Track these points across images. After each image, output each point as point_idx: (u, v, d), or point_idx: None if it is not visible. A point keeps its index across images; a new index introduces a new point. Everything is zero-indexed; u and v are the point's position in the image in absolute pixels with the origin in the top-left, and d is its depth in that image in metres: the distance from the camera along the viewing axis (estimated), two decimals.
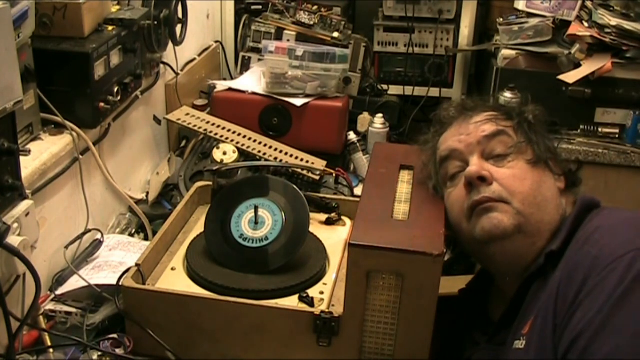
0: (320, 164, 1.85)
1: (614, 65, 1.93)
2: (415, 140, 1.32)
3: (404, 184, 1.27)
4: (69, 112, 1.39)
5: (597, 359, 0.85)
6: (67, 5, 1.38)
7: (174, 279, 1.25)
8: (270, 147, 1.89)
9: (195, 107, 2.10)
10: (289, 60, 1.99)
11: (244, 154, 1.84)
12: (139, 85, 1.67)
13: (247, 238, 1.29)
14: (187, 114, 1.95)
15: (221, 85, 2.08)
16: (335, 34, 2.16)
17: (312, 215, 1.34)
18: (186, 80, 2.07)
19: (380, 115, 2.05)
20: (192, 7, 1.93)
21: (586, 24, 2.00)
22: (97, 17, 1.47)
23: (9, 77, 1.08)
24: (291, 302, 1.19)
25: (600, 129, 2.04)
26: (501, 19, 2.12)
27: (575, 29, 1.99)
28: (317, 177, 1.79)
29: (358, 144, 2.02)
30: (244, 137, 1.90)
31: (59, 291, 1.31)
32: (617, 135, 2.03)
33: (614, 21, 1.91)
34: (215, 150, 1.82)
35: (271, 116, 1.97)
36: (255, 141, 1.90)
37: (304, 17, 2.18)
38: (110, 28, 1.49)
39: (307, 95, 1.98)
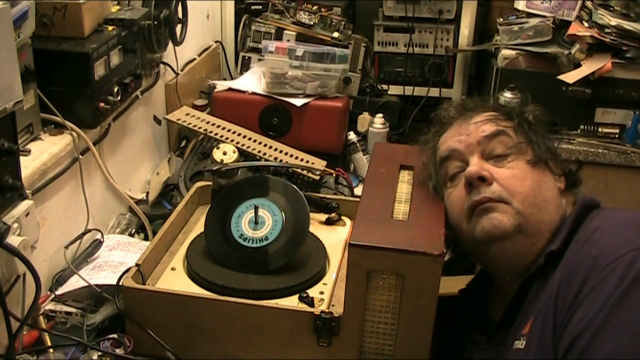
0: (320, 164, 1.85)
1: (614, 65, 1.93)
2: (415, 140, 1.32)
3: (404, 184, 1.27)
4: (69, 112, 1.39)
5: (597, 359, 0.85)
6: (67, 5, 1.38)
7: (174, 279, 1.25)
8: (270, 147, 1.89)
9: (195, 107, 2.10)
10: (289, 60, 1.99)
11: (244, 154, 1.84)
12: (139, 85, 1.67)
13: (247, 238, 1.29)
14: (187, 114, 1.95)
15: (221, 85, 2.08)
16: (335, 34, 2.16)
17: (312, 215, 1.34)
18: (186, 80, 2.07)
19: (380, 115, 2.05)
20: (192, 7, 1.93)
21: (586, 24, 2.00)
22: (97, 17, 1.47)
23: (9, 77, 1.08)
24: (291, 302, 1.19)
25: (600, 129, 2.04)
26: (501, 19, 2.12)
27: (575, 29, 1.99)
28: (317, 177, 1.79)
29: (358, 144, 2.02)
30: (244, 137, 1.90)
31: (59, 291, 1.31)
32: (617, 135, 2.03)
33: (614, 21, 1.91)
34: (215, 150, 1.82)
35: (271, 116, 1.97)
36: (255, 141, 1.90)
37: (304, 17, 2.18)
38: (110, 28, 1.49)
39: (307, 95, 1.98)
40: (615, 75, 1.96)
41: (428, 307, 1.08)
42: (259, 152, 1.85)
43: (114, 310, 1.25)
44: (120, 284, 1.21)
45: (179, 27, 1.86)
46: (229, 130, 1.91)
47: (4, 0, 1.07)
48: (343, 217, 1.48)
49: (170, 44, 1.85)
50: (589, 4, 2.04)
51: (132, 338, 1.18)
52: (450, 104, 1.28)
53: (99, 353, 1.15)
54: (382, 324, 1.12)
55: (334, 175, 1.84)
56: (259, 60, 2.19)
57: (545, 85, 1.99)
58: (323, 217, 1.47)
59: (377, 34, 2.33)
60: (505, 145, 1.13)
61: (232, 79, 2.31)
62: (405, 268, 1.06)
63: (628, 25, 1.91)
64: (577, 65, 1.98)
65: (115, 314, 1.24)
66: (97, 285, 1.29)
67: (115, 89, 1.51)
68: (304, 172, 1.79)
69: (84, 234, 1.44)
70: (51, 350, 1.18)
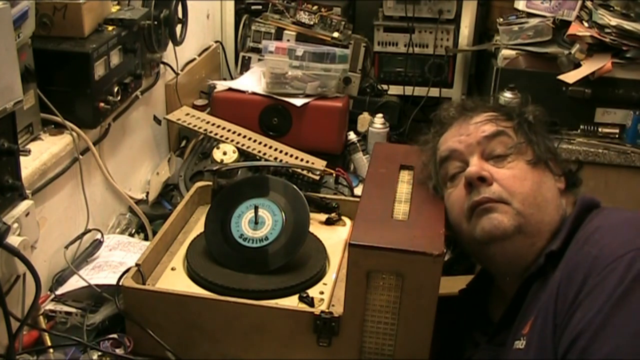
0: (320, 164, 1.85)
1: (614, 65, 1.93)
2: (415, 140, 1.32)
3: (404, 184, 1.27)
4: (69, 112, 1.39)
5: (597, 359, 0.85)
6: (67, 5, 1.38)
7: (174, 279, 1.25)
8: (270, 147, 1.89)
9: (195, 107, 2.10)
10: (289, 60, 1.99)
11: (244, 154, 1.84)
12: (139, 85, 1.67)
13: (247, 238, 1.29)
14: (187, 114, 1.95)
15: (221, 85, 2.08)
16: (335, 34, 2.16)
17: (312, 215, 1.34)
18: (186, 80, 2.07)
19: (380, 115, 2.05)
20: (192, 7, 1.93)
21: (586, 24, 2.00)
22: (97, 17, 1.47)
23: (9, 77, 1.08)
24: (291, 302, 1.19)
25: (600, 129, 2.04)
26: (501, 19, 2.12)
27: (575, 29, 1.99)
28: (317, 177, 1.79)
29: (358, 144, 2.02)
30: (244, 137, 1.90)
31: (59, 291, 1.31)
32: (617, 135, 2.03)
33: (614, 21, 1.91)
34: (215, 150, 1.82)
35: (271, 116, 1.97)
36: (255, 141, 1.90)
37: (304, 17, 2.18)
38: (110, 28, 1.49)
39: (307, 95, 1.98)
40: (615, 75, 1.96)
41: (428, 307, 1.08)
42: (259, 152, 1.85)
43: (114, 310, 1.25)
44: (120, 284, 1.21)
45: (179, 27, 1.86)
46: (229, 130, 1.91)
47: (4, 0, 1.07)
48: (343, 217, 1.48)
49: (170, 44, 1.85)
50: (589, 4, 2.04)
51: (132, 338, 1.18)
52: (450, 104, 1.28)
53: (99, 353, 1.15)
54: (382, 324, 1.12)
55: (334, 175, 1.84)
56: (259, 60, 2.19)
57: (545, 85, 1.99)
58: (323, 217, 1.47)
59: (377, 34, 2.33)
60: (505, 146, 1.13)
61: (232, 79, 2.31)
62: (405, 268, 1.06)
63: (628, 25, 1.91)
64: (577, 65, 1.98)
65: (115, 314, 1.24)
66: (97, 285, 1.29)
67: (115, 89, 1.51)
68: (304, 172, 1.79)
69: (84, 234, 1.44)
70: (51, 350, 1.18)
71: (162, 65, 1.89)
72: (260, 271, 1.25)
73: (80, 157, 1.44)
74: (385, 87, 2.29)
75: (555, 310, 0.94)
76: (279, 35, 2.18)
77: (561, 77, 1.98)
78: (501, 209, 1.07)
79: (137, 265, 1.23)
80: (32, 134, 1.33)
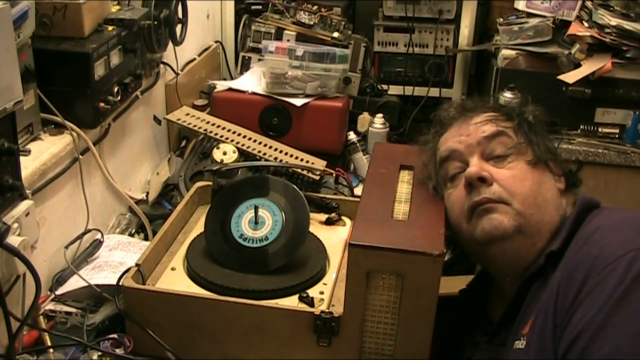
0: (320, 164, 1.85)
1: (614, 65, 1.93)
2: (415, 140, 1.32)
3: (404, 184, 1.27)
4: (69, 112, 1.39)
5: (597, 358, 0.85)
6: (67, 5, 1.38)
7: (174, 279, 1.25)
8: (270, 147, 1.89)
9: (195, 107, 2.10)
10: (289, 60, 1.99)
11: (244, 154, 1.84)
12: (139, 85, 1.67)
13: (247, 238, 1.29)
14: (187, 114, 1.95)
15: (221, 85, 2.08)
16: (335, 34, 2.16)
17: (312, 215, 1.34)
18: (186, 80, 2.07)
19: (380, 115, 2.05)
20: (192, 7, 1.93)
21: (586, 24, 2.00)
22: (97, 17, 1.47)
23: (9, 77, 1.08)
24: (291, 302, 1.19)
25: (600, 129, 2.04)
26: (501, 19, 2.12)
27: (575, 29, 1.99)
28: (317, 177, 1.79)
29: (358, 144, 2.02)
30: (244, 137, 1.90)
31: (59, 291, 1.31)
32: (617, 135, 2.03)
33: (614, 21, 1.91)
34: (215, 150, 1.82)
35: (271, 116, 1.97)
36: (255, 141, 1.90)
37: (304, 17, 2.18)
38: (110, 28, 1.49)
39: (307, 95, 1.98)
40: (615, 75, 1.96)
41: (428, 307, 1.08)
42: (259, 152, 1.85)
43: (114, 310, 1.25)
44: (120, 284, 1.21)
45: (179, 27, 1.86)
46: (229, 130, 1.91)
47: (4, 0, 1.07)
48: (343, 217, 1.48)
49: (170, 44, 1.85)
50: (589, 4, 2.04)
51: (132, 338, 1.18)
52: (450, 105, 1.28)
53: (99, 353, 1.15)
54: (382, 324, 1.12)
55: (334, 175, 1.84)
56: (259, 60, 2.19)
57: (545, 85, 1.99)
58: (323, 217, 1.47)
59: (377, 34, 2.33)
60: (505, 146, 1.13)
61: (232, 79, 2.31)
62: (405, 268, 1.06)
63: (628, 25, 1.91)
64: (577, 65, 1.98)
65: (115, 314, 1.24)
66: (97, 285, 1.29)
67: (115, 89, 1.51)
68: (304, 172, 1.79)
69: (84, 234, 1.44)
70: (51, 350, 1.18)
71: (162, 65, 1.89)
72: (260, 271, 1.25)
73: (80, 157, 1.44)
74: (385, 87, 2.29)
75: (555, 310, 0.94)
76: (279, 35, 2.18)
77: (561, 77, 1.98)
78: (501, 210, 1.07)
79: (137, 265, 1.23)
80: (32, 134, 1.33)
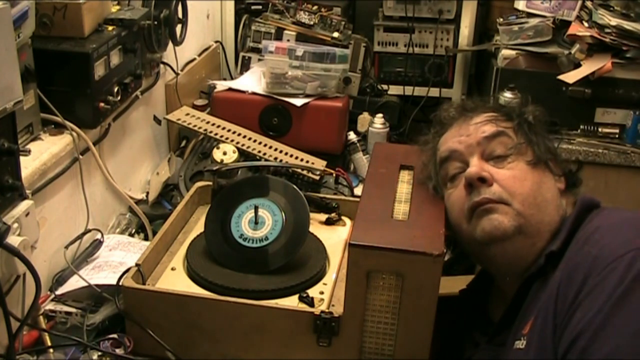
0: (320, 164, 1.85)
1: (614, 65, 1.93)
2: (415, 140, 1.32)
3: (404, 184, 1.27)
4: (69, 112, 1.39)
5: (597, 358, 0.85)
6: (67, 5, 1.38)
7: (174, 279, 1.25)
8: (270, 147, 1.89)
9: (195, 107, 2.10)
10: (289, 60, 1.99)
11: (244, 154, 1.84)
12: (139, 85, 1.67)
13: (247, 238, 1.29)
14: (187, 114, 1.95)
15: (221, 85, 2.08)
16: (335, 34, 2.16)
17: (312, 215, 1.34)
18: (186, 80, 2.07)
19: (380, 115, 2.05)
20: (192, 7, 1.93)
21: (586, 24, 2.00)
22: (97, 17, 1.47)
23: (9, 77, 1.08)
24: (291, 302, 1.19)
25: (600, 129, 2.04)
26: (501, 19, 2.12)
27: (575, 29, 1.99)
28: (317, 177, 1.79)
29: (358, 144, 2.02)
30: (244, 137, 1.90)
31: (59, 291, 1.31)
32: (617, 135, 2.03)
33: (614, 21, 1.91)
34: (215, 150, 1.82)
35: (271, 116, 1.97)
36: (255, 141, 1.90)
37: (304, 17, 2.18)
38: (110, 28, 1.49)
39: (307, 95, 1.98)
40: (615, 75, 1.96)
41: (428, 307, 1.08)
42: (259, 152, 1.85)
43: (114, 310, 1.25)
44: (120, 284, 1.21)
45: (179, 27, 1.86)
46: (229, 130, 1.91)
47: (4, 0, 1.07)
48: (343, 217, 1.48)
49: (170, 44, 1.85)
50: (589, 4, 2.04)
51: (132, 338, 1.18)
52: (450, 105, 1.28)
53: (99, 353, 1.15)
54: (382, 324, 1.12)
55: (334, 175, 1.84)
56: (259, 60, 2.19)
57: (545, 85, 1.99)
58: (323, 217, 1.47)
59: (377, 34, 2.33)
60: (505, 146, 1.13)
61: (232, 79, 2.31)
62: (405, 268, 1.06)
63: (628, 25, 1.91)
64: (577, 65, 1.98)
65: (115, 314, 1.24)
66: (97, 285, 1.29)
67: (115, 89, 1.51)
68: (304, 172, 1.79)
69: (84, 234, 1.44)
70: (51, 350, 1.18)
71: (162, 65, 1.89)
72: (260, 271, 1.25)
73: (80, 157, 1.44)
74: (385, 87, 2.29)
75: (555, 310, 0.94)
76: (279, 35, 2.18)
77: (561, 77, 1.98)
78: (501, 210, 1.07)
79: (137, 265, 1.23)
80: (32, 134, 1.33)
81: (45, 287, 1.33)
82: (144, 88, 1.76)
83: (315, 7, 2.22)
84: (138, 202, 1.73)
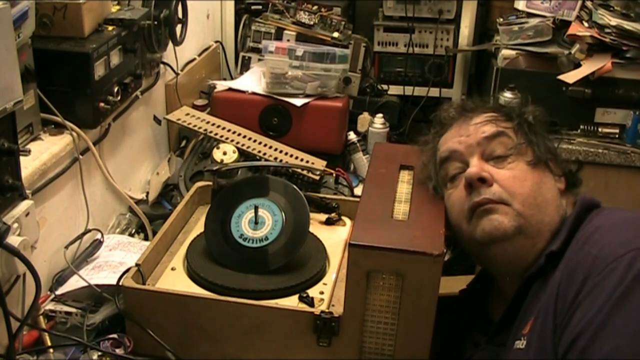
0: (320, 164, 1.85)
1: (614, 65, 1.93)
2: (415, 140, 1.32)
3: (404, 184, 1.27)
4: (69, 112, 1.39)
5: (597, 358, 0.85)
6: (67, 5, 1.38)
7: (174, 279, 1.25)
8: (270, 147, 1.89)
9: (195, 107, 2.10)
10: (289, 60, 1.99)
11: (244, 154, 1.84)
12: (139, 85, 1.67)
13: (247, 238, 1.29)
14: (187, 114, 1.95)
15: (221, 85, 2.08)
16: (335, 34, 2.16)
17: (312, 215, 1.34)
18: (186, 80, 2.07)
19: (380, 115, 2.05)
20: (192, 7, 1.93)
21: (586, 24, 2.00)
22: (97, 17, 1.47)
23: (9, 77, 1.08)
24: (291, 302, 1.19)
25: (600, 129, 2.04)
26: (501, 19, 2.12)
27: (575, 29, 1.99)
28: (317, 177, 1.79)
29: (358, 144, 2.02)
30: (244, 137, 1.90)
31: (59, 291, 1.31)
32: (617, 135, 2.03)
33: (614, 21, 1.91)
34: (215, 150, 1.82)
35: (271, 116, 1.97)
36: (255, 141, 1.90)
37: (304, 17, 2.18)
38: (110, 28, 1.49)
39: (307, 95, 1.98)
40: (615, 75, 1.96)
41: (428, 307, 1.08)
42: (259, 152, 1.85)
43: (114, 310, 1.25)
44: (120, 284, 1.21)
45: (179, 27, 1.86)
46: (229, 130, 1.91)
47: (4, 0, 1.07)
48: (343, 217, 1.48)
49: (170, 44, 1.85)
50: (589, 4, 2.04)
51: (132, 338, 1.18)
52: (450, 105, 1.28)
53: (99, 353, 1.15)
54: (382, 324, 1.12)
55: (334, 175, 1.84)
56: (259, 60, 2.19)
57: (545, 85, 1.99)
58: (323, 217, 1.47)
59: (377, 34, 2.33)
60: (505, 146, 1.13)
61: (232, 79, 2.31)
62: (405, 268, 1.06)
63: (628, 25, 1.91)
64: (577, 65, 1.98)
65: (115, 314, 1.24)
66: (97, 285, 1.29)
67: (115, 89, 1.51)
68: (304, 172, 1.79)
69: (84, 234, 1.44)
70: (51, 350, 1.18)
71: (162, 65, 1.89)
72: (260, 271, 1.25)
73: (80, 157, 1.44)
74: (385, 87, 2.29)
75: (556, 310, 0.94)
76: (279, 35, 2.18)
77: (561, 77, 1.98)
78: (501, 210, 1.07)
79: (137, 265, 1.23)
80: (32, 134, 1.33)
81: (45, 287, 1.33)
82: (144, 88, 1.76)
83: (315, 7, 2.22)
84: (138, 202, 1.73)
